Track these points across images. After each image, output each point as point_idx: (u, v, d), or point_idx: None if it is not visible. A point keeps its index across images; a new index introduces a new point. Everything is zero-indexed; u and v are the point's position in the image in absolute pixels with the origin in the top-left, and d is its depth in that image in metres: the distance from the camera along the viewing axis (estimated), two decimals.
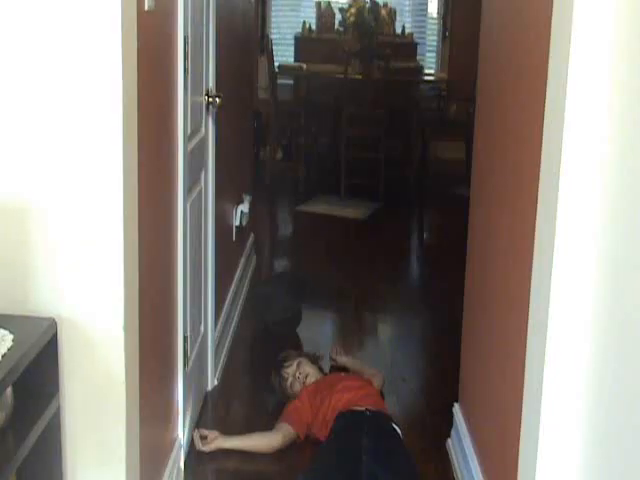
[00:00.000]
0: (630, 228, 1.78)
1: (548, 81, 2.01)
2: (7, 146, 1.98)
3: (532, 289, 2.11)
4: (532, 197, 2.13)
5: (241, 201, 4.68)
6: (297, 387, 3.56)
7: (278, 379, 3.65)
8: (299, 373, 3.60)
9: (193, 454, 3.19)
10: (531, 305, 2.12)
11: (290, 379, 3.60)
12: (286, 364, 3.65)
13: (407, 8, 9.03)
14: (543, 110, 2.04)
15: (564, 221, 1.91)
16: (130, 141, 2.04)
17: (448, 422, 3.36)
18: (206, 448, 3.22)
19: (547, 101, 2.02)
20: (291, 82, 7.93)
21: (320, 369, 3.70)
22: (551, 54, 1.99)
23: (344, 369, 3.89)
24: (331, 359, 4.03)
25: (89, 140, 1.96)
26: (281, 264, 5.93)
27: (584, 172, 1.88)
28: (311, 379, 3.57)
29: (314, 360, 3.74)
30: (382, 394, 3.63)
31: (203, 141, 3.38)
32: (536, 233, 2.08)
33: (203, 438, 3.25)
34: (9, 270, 2.02)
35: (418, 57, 8.51)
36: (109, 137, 1.96)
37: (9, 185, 1.99)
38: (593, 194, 1.89)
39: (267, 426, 3.35)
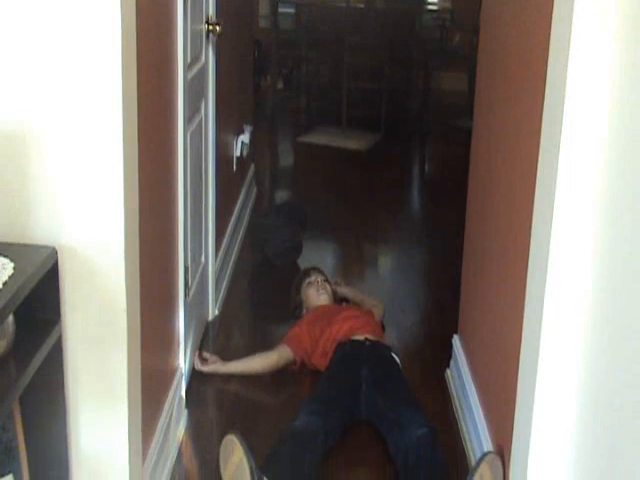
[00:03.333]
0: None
1: (554, 11, 1.97)
2: (3, 73, 1.95)
3: (534, 219, 2.10)
4: (535, 127, 2.11)
5: (242, 131, 4.64)
6: (313, 293, 3.68)
7: (300, 279, 3.79)
8: (324, 284, 3.74)
9: (194, 383, 3.22)
10: (532, 235, 2.12)
11: (315, 284, 3.72)
12: (316, 271, 3.82)
13: None
14: (547, 40, 2.01)
15: (567, 149, 1.89)
16: (129, 69, 2.01)
17: (447, 353, 3.38)
18: (205, 368, 3.28)
19: (552, 30, 1.99)
20: (292, 11, 7.82)
21: (335, 300, 3.77)
22: None
23: (345, 300, 3.91)
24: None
25: (88, 66, 1.93)
26: (281, 195, 5.91)
27: (589, 96, 1.86)
28: (327, 297, 3.69)
29: (334, 291, 3.82)
30: (383, 325, 3.65)
31: (203, 70, 3.34)
32: (539, 163, 2.07)
33: (203, 360, 3.30)
34: (9, 198, 2.01)
35: None
36: (107, 65, 1.93)
37: (7, 112, 1.97)
38: (599, 119, 1.87)
39: None
